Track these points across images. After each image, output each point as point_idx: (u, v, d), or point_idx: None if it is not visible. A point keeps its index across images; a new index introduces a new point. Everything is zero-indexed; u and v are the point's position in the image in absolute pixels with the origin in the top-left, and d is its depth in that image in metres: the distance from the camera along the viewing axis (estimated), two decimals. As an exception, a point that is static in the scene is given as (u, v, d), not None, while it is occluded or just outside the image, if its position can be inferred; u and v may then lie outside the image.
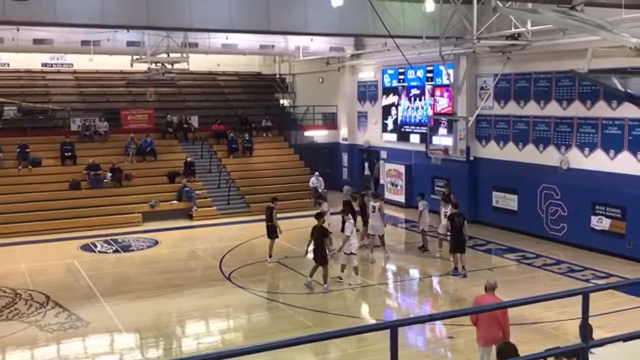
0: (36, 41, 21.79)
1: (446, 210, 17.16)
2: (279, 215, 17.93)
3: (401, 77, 25.71)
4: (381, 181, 26.72)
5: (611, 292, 12.69)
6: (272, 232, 17.45)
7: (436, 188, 22.65)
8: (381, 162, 26.89)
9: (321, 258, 14.76)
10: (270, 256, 17.38)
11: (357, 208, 18.77)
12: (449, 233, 16.49)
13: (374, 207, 17.41)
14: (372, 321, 13.31)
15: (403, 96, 25.67)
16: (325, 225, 15.30)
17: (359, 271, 15.43)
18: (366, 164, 27.73)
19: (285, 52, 27.70)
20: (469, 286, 15.06)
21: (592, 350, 4.65)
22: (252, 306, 14.21)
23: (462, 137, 20.89)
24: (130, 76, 29.16)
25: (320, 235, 14.79)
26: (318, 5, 18.52)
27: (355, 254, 15.37)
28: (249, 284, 15.50)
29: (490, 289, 9.75)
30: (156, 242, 20.16)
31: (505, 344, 6.50)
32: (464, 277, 15.49)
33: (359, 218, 18.35)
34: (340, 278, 15.36)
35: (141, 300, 14.52)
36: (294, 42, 25.83)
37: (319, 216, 15.38)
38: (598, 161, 17.82)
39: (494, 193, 21.20)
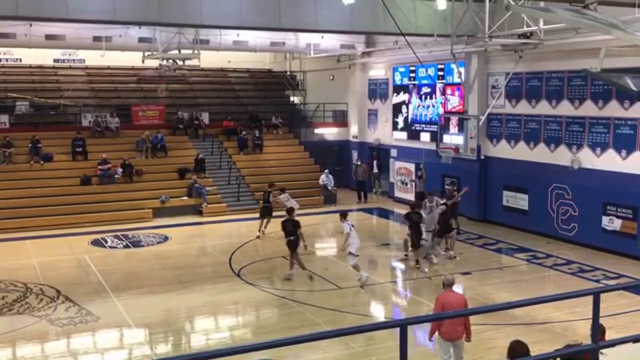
0: (48, 37, 21.89)
1: (431, 204, 17.45)
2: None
3: (412, 75, 25.65)
4: (391, 179, 26.68)
5: (621, 293, 12.64)
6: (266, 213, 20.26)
7: (446, 187, 22.57)
8: (391, 160, 26.84)
9: (291, 246, 15.47)
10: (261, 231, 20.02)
11: None
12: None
13: None
14: (380, 319, 13.31)
15: (414, 94, 25.61)
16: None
17: (360, 268, 15.13)
18: (375, 162, 27.63)
19: (295, 49, 27.68)
20: (478, 285, 15.06)
21: (603, 351, 4.64)
22: (261, 303, 14.23)
23: (472, 136, 20.82)
24: (141, 72, 29.29)
25: (294, 227, 15.62)
26: (329, 2, 18.50)
27: (352, 254, 14.96)
28: (258, 280, 15.54)
29: (448, 285, 9.71)
30: (166, 238, 20.24)
31: (516, 343, 6.45)
32: (453, 259, 16.88)
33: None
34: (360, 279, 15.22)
35: (151, 295, 14.59)
36: (304, 39, 25.82)
37: (290, 211, 16.44)
38: (610, 161, 17.71)
39: (505, 192, 21.12)
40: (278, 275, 16.38)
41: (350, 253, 15.01)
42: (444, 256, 17.31)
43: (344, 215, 15.72)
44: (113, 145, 25.58)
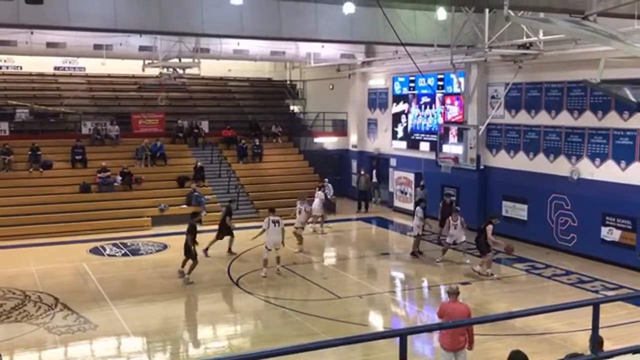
0: (49, 45, 21.95)
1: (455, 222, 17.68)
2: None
3: (412, 84, 25.70)
4: (390, 189, 26.68)
5: (621, 304, 12.62)
6: None
7: (445, 197, 22.55)
8: (390, 169, 26.85)
9: (188, 252, 16.31)
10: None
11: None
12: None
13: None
14: (379, 329, 13.27)
15: (413, 104, 25.65)
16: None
17: (267, 264, 16.50)
18: (374, 172, 27.62)
19: (296, 58, 27.76)
20: (477, 295, 15.03)
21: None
22: (260, 312, 14.21)
23: (472, 146, 20.81)
24: (141, 81, 29.35)
25: (188, 232, 16.42)
26: (329, 12, 18.58)
27: (266, 248, 16.58)
28: (257, 289, 15.50)
29: (452, 294, 9.76)
30: (165, 246, 20.21)
31: (515, 353, 6.45)
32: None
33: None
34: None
35: (149, 304, 14.55)
36: (304, 48, 25.89)
37: (194, 215, 17.73)
38: (609, 172, 17.72)
39: (504, 202, 21.11)
40: (277, 285, 16.36)
41: (266, 247, 16.59)
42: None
43: (271, 210, 17.16)
44: (113, 153, 25.59)
